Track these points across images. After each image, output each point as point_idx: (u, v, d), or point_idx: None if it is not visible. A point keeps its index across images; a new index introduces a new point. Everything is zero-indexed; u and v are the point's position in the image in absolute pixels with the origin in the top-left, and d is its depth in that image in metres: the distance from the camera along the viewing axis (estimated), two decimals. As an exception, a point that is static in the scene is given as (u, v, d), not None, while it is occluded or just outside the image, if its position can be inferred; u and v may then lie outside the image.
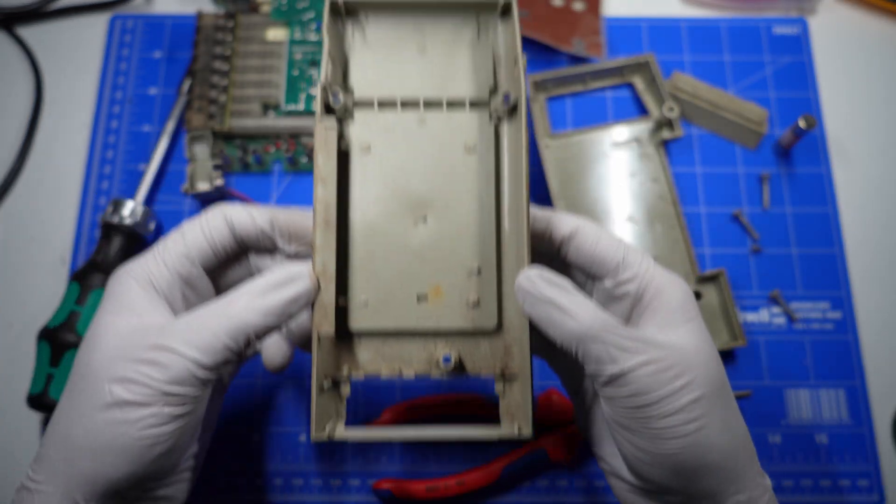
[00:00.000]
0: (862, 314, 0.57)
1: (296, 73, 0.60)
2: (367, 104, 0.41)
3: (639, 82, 0.62)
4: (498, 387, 0.39)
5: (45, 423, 0.54)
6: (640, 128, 0.60)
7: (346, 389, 0.39)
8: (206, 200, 0.59)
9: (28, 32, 0.65)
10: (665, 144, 0.59)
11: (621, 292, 0.39)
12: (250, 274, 0.43)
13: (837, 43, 0.65)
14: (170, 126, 0.59)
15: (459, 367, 0.39)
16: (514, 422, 0.38)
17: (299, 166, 0.60)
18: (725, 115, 0.59)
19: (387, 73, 0.41)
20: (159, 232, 0.58)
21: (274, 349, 0.43)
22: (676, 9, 0.66)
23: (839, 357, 0.55)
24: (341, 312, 0.39)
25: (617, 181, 0.58)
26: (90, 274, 0.52)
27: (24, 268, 0.58)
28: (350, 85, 0.41)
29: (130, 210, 0.55)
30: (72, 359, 0.50)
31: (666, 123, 0.58)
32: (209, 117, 0.59)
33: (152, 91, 0.62)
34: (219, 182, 0.56)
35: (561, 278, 0.36)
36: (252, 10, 0.63)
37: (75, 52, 0.64)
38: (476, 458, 0.53)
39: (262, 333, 0.36)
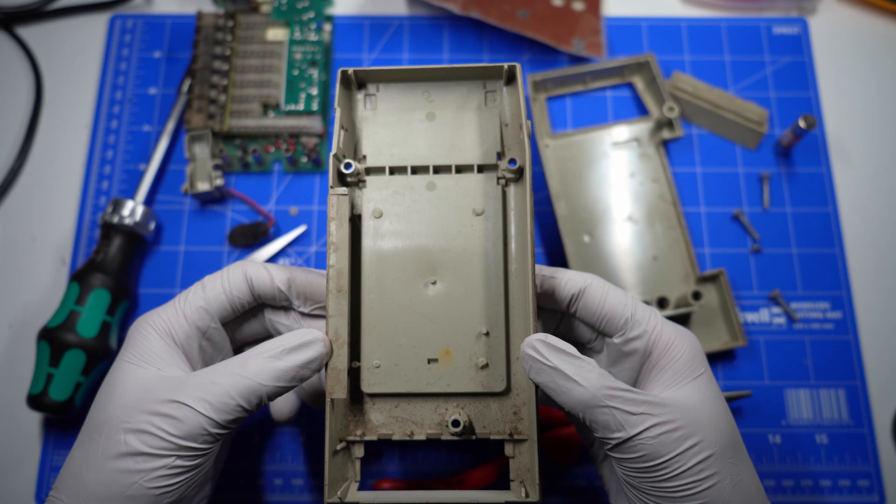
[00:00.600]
0: (862, 314, 0.57)
1: (295, 72, 0.60)
2: (378, 170, 0.42)
3: (639, 82, 0.62)
4: (508, 449, 0.40)
5: (45, 423, 0.54)
6: (640, 128, 0.60)
7: (358, 451, 0.40)
8: (206, 200, 0.59)
9: (28, 32, 0.65)
10: (665, 144, 0.59)
11: (630, 349, 0.39)
12: (265, 328, 0.44)
13: (837, 43, 0.65)
14: (170, 126, 0.59)
15: (469, 429, 0.40)
16: (523, 486, 0.39)
17: (299, 166, 0.60)
18: (725, 115, 0.59)
19: (397, 139, 0.42)
20: (159, 232, 0.58)
21: (281, 403, 0.45)
22: (676, 9, 0.66)
23: (839, 357, 0.55)
24: (353, 375, 0.40)
25: (617, 181, 0.58)
26: (90, 274, 0.52)
27: (24, 268, 0.58)
28: (362, 152, 0.42)
29: (130, 210, 0.55)
30: (72, 359, 0.50)
31: (666, 123, 0.58)
32: (209, 117, 0.59)
33: (152, 91, 0.62)
34: (219, 182, 0.56)
35: (565, 344, 0.36)
36: (252, 10, 0.63)
37: (75, 52, 0.64)
38: (476, 458, 0.53)
39: (275, 395, 0.37)
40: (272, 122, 0.59)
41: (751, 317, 0.56)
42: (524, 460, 0.39)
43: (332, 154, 0.40)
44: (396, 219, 0.41)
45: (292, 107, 0.59)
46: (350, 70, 0.42)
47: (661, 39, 0.64)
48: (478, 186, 0.41)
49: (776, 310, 0.57)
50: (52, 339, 0.50)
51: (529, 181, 0.39)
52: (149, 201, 0.58)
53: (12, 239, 0.59)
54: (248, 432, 0.53)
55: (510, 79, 0.43)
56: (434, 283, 0.40)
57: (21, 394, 0.53)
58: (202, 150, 0.58)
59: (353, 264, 0.40)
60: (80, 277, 0.52)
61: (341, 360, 0.38)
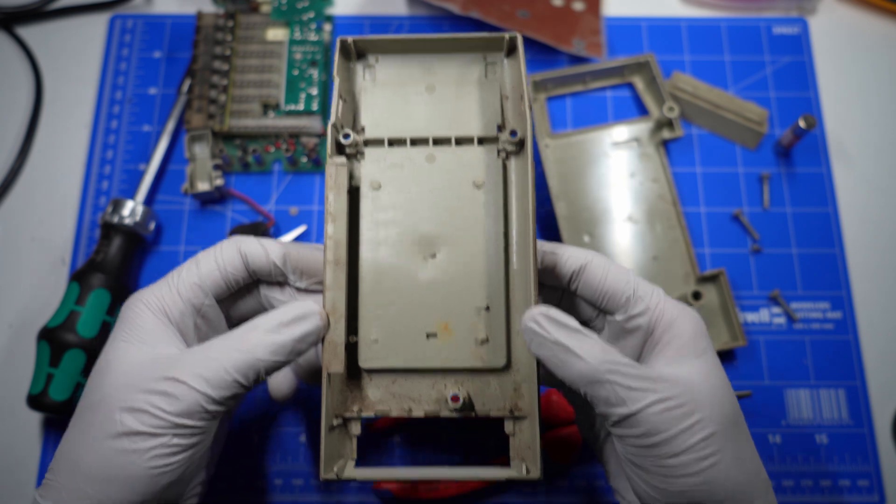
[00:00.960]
0: (862, 314, 0.57)
1: (295, 72, 0.60)
2: (376, 142, 0.41)
3: (639, 82, 0.62)
4: (508, 427, 0.39)
5: (45, 423, 0.54)
6: (640, 128, 0.60)
7: (355, 429, 0.40)
8: (206, 200, 0.59)
9: (28, 32, 0.65)
10: (665, 144, 0.59)
11: (632, 326, 0.39)
12: (260, 305, 0.43)
13: (837, 43, 0.65)
14: (170, 126, 0.59)
15: (469, 406, 0.39)
16: (523, 463, 0.38)
17: (299, 166, 0.60)
18: (725, 115, 0.59)
19: (396, 111, 0.42)
20: (159, 232, 0.58)
21: (280, 381, 0.44)
22: (676, 9, 0.66)
23: (839, 357, 0.55)
24: (351, 350, 0.40)
25: (617, 181, 0.58)
26: (90, 274, 0.52)
27: (24, 268, 0.58)
28: (361, 124, 0.42)
29: (130, 210, 0.55)
30: (72, 359, 0.50)
31: (666, 123, 0.58)
32: (209, 117, 0.59)
33: (152, 91, 0.62)
34: (219, 182, 0.56)
35: (567, 317, 0.36)
36: (252, 10, 0.63)
37: (75, 52, 0.64)
38: (476, 458, 0.53)
39: (272, 370, 0.37)
40: (272, 122, 0.59)
41: (751, 317, 0.56)
42: (525, 438, 0.38)
43: (330, 123, 0.39)
44: (395, 191, 0.40)
45: (292, 107, 0.59)
46: (349, 39, 0.41)
47: (661, 39, 0.64)
48: (478, 159, 0.41)
49: (776, 310, 0.57)
50: (52, 339, 0.50)
51: (530, 153, 0.38)
52: (149, 201, 0.58)
53: (12, 239, 0.59)
54: (247, 432, 0.53)
55: (511, 50, 0.42)
56: (433, 256, 0.40)
57: (21, 394, 0.53)
58: (202, 150, 0.58)
59: (352, 237, 0.40)
60: (80, 277, 0.52)
61: (338, 334, 0.37)
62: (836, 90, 0.63)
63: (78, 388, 0.50)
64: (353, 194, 0.41)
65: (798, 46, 0.64)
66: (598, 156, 0.59)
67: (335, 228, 0.38)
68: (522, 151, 0.40)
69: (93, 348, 0.50)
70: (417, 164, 0.41)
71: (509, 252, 0.40)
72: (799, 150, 0.61)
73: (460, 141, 0.41)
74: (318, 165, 0.60)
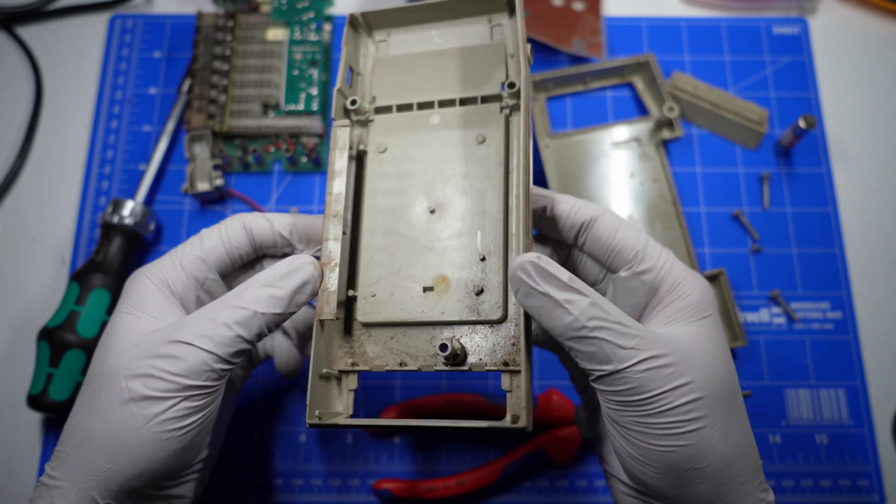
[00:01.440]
0: (862, 314, 0.57)
1: (295, 73, 0.60)
2: (385, 109, 0.43)
3: (639, 82, 0.62)
4: (504, 382, 0.38)
5: (45, 423, 0.54)
6: (640, 128, 0.60)
7: (351, 383, 0.39)
8: (206, 200, 0.59)
9: (28, 32, 0.65)
10: (665, 144, 0.59)
11: (637, 284, 0.38)
12: None
13: (837, 43, 0.65)
14: (170, 126, 0.59)
15: (462, 359, 0.39)
16: (512, 414, 0.37)
17: (299, 166, 0.60)
18: (725, 115, 0.59)
19: (405, 81, 0.43)
20: (159, 232, 0.58)
21: (285, 355, 0.44)
22: (676, 9, 0.66)
23: (839, 357, 0.55)
24: (350, 306, 0.40)
25: (617, 181, 0.58)
26: (90, 274, 0.52)
27: (24, 268, 0.58)
28: (371, 94, 0.43)
29: (130, 210, 0.55)
30: (72, 359, 0.50)
31: (666, 123, 0.58)
32: (209, 117, 0.59)
33: (152, 91, 0.62)
34: (219, 182, 0.56)
35: (558, 267, 0.34)
36: (252, 10, 0.63)
37: (75, 52, 0.64)
38: (476, 458, 0.53)
39: (273, 323, 0.37)
40: (272, 122, 0.59)
41: (751, 317, 0.56)
42: (521, 394, 0.37)
43: (336, 89, 0.41)
44: (400, 152, 0.42)
45: (292, 107, 0.59)
46: (359, 13, 0.43)
47: (661, 39, 0.64)
48: (481, 116, 0.42)
49: (776, 310, 0.57)
50: (52, 339, 0.50)
51: (525, 102, 0.39)
52: (149, 201, 0.58)
53: (12, 239, 0.59)
54: (247, 432, 0.53)
55: (513, 9, 0.43)
56: (433, 211, 0.40)
57: (21, 394, 0.53)
58: (202, 150, 0.58)
59: (356, 199, 0.41)
60: (80, 277, 0.52)
61: (332, 283, 0.38)
62: (836, 90, 0.63)
63: (78, 388, 0.50)
64: (361, 158, 0.42)
65: (798, 46, 0.64)
66: (598, 156, 0.59)
67: (337, 185, 0.39)
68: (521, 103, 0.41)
69: (93, 348, 0.50)
70: (423, 126, 0.42)
71: (509, 206, 0.40)
72: (799, 150, 0.61)
73: (465, 101, 0.42)
74: (318, 165, 0.60)
